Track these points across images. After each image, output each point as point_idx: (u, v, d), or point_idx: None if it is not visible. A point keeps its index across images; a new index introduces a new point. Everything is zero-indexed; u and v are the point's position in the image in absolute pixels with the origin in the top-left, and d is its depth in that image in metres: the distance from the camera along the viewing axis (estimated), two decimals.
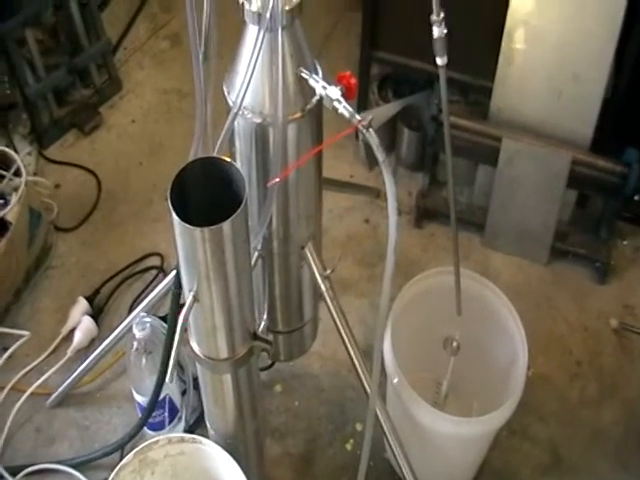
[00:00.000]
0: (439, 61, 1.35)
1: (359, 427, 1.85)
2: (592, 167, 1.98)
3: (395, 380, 1.53)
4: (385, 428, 1.46)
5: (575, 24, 1.84)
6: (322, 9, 2.71)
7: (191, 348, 1.29)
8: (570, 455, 1.84)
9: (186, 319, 1.17)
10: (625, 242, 2.19)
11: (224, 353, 1.26)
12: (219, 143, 1.21)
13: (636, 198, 1.99)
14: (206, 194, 1.12)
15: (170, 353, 1.20)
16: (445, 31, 1.32)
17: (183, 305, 1.18)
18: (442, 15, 1.30)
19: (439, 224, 2.23)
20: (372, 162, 2.35)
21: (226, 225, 1.05)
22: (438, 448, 1.59)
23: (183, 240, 1.10)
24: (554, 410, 1.90)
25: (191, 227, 1.04)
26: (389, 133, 2.31)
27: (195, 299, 1.16)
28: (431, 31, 1.32)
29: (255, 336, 1.29)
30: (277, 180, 1.21)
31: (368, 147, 2.31)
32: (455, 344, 1.61)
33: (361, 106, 2.32)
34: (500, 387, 1.63)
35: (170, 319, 1.45)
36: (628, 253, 2.18)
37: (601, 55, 1.85)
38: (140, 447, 1.44)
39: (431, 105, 2.07)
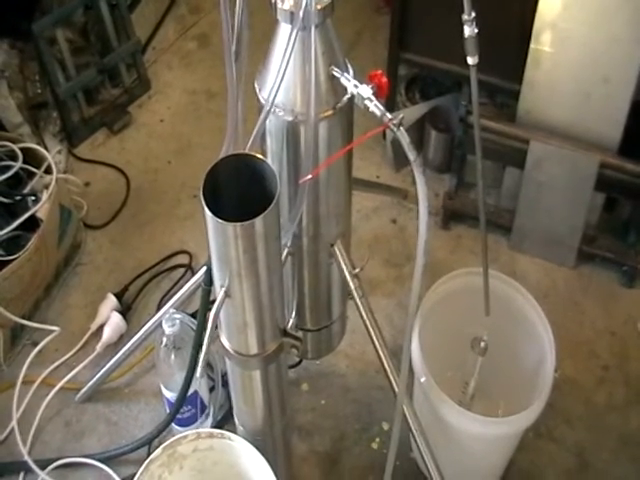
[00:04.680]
0: (470, 60, 1.35)
1: (385, 426, 1.85)
2: (620, 170, 1.96)
3: (422, 379, 1.53)
4: (412, 427, 1.46)
5: (603, 28, 1.83)
6: (349, 12, 2.72)
7: (221, 344, 1.30)
8: (596, 460, 1.82)
9: (217, 314, 1.18)
10: None
11: (254, 349, 1.27)
12: (251, 140, 1.22)
13: None
14: (238, 191, 1.13)
15: (200, 347, 1.21)
16: (476, 30, 1.32)
17: (213, 301, 1.19)
18: (473, 14, 1.30)
19: (466, 226, 2.23)
20: (399, 163, 2.35)
21: (258, 221, 1.06)
22: (464, 448, 1.59)
23: (215, 236, 1.10)
24: (581, 414, 1.89)
25: (224, 222, 1.05)
26: (416, 135, 2.31)
27: (226, 295, 1.17)
28: (459, 33, 1.33)
29: (285, 332, 1.30)
30: (309, 177, 1.22)
31: (395, 148, 2.32)
32: (483, 344, 1.61)
33: (388, 107, 2.29)
34: (527, 388, 1.62)
35: (200, 314, 1.46)
36: None
37: (630, 58, 1.85)
38: (169, 441, 1.45)
39: (459, 107, 2.07)
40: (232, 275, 1.14)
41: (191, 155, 2.42)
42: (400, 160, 2.33)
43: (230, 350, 1.29)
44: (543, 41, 1.91)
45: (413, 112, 2.27)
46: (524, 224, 2.14)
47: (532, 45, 1.93)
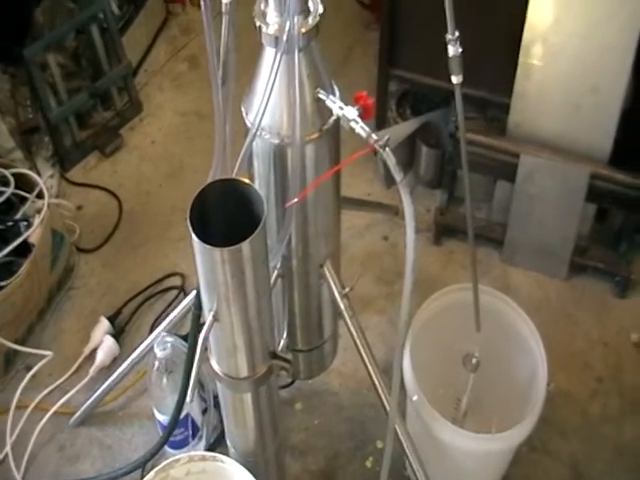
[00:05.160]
0: (454, 79, 1.36)
1: (379, 445, 1.84)
2: (611, 181, 1.97)
3: (414, 397, 1.53)
4: (405, 445, 1.46)
5: (595, 37, 1.83)
6: (340, 28, 2.73)
7: (211, 367, 1.30)
8: (591, 471, 1.82)
9: (206, 338, 1.18)
10: None
11: (244, 372, 1.27)
12: (238, 164, 1.23)
13: None
14: (225, 215, 1.14)
15: (190, 372, 1.21)
16: (460, 50, 1.33)
17: (203, 325, 1.19)
18: (457, 34, 1.31)
19: (458, 241, 2.23)
20: (390, 180, 2.35)
21: (245, 245, 1.06)
22: (458, 464, 1.59)
23: (203, 260, 1.11)
24: (575, 426, 1.89)
25: (210, 247, 1.06)
26: (407, 151, 2.31)
27: (215, 319, 1.17)
28: (446, 50, 1.33)
29: (275, 355, 1.30)
30: (295, 201, 1.22)
31: (386, 165, 2.32)
32: (475, 361, 1.61)
33: (379, 123, 2.33)
34: (520, 403, 1.62)
35: (190, 339, 1.46)
36: None
37: (619, 67, 1.85)
38: (162, 465, 1.45)
39: (449, 122, 2.08)
40: (220, 299, 1.14)
41: (183, 177, 2.42)
42: (391, 177, 2.32)
43: (220, 373, 1.29)
44: (533, 54, 1.91)
45: (402, 129, 2.27)
46: (516, 237, 2.14)
47: (521, 58, 1.92)
